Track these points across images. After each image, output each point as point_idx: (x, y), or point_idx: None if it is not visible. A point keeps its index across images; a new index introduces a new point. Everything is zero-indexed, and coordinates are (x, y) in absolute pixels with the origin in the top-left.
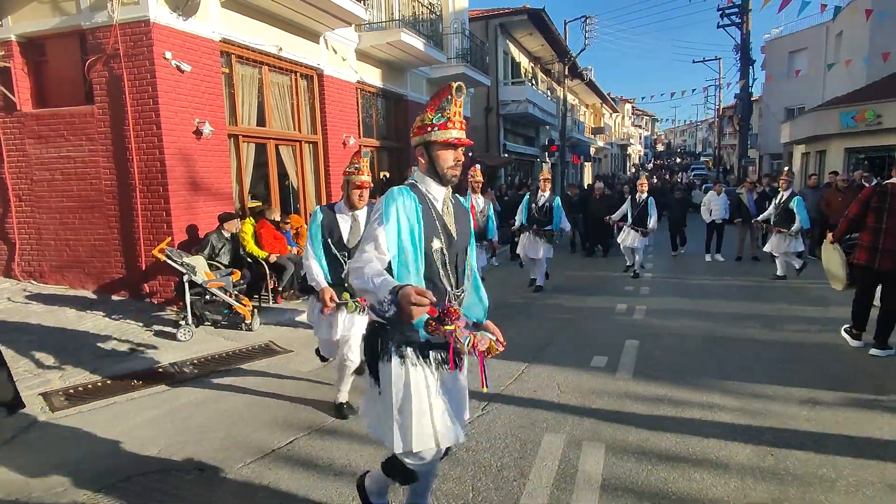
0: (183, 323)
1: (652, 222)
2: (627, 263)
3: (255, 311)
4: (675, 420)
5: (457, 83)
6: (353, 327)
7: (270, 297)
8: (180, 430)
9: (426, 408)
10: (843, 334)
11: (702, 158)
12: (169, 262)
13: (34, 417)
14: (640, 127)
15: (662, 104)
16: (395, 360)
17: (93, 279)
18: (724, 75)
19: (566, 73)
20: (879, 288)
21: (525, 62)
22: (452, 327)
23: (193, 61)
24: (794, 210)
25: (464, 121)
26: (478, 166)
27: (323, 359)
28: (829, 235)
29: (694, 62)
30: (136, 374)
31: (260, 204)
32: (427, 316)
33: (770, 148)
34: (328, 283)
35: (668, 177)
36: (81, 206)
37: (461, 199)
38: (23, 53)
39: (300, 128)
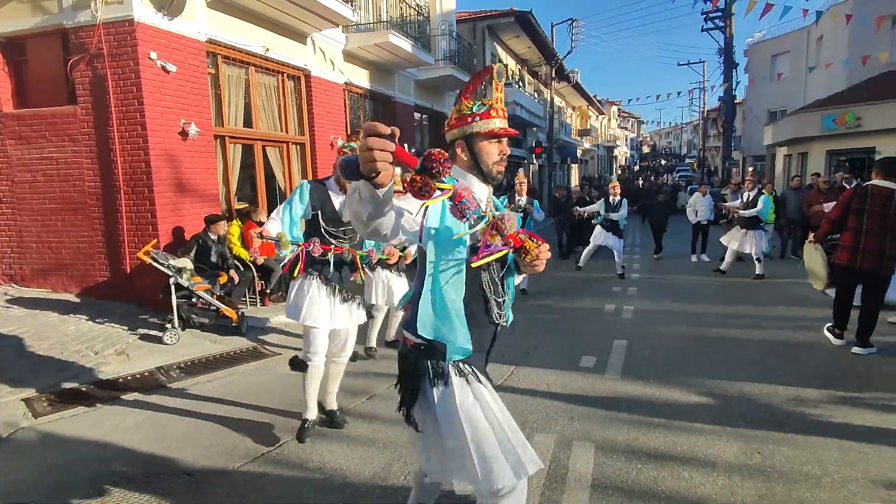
0: (169, 326)
1: (622, 211)
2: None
3: (243, 313)
4: (664, 419)
5: (497, 64)
6: (350, 316)
7: (258, 300)
8: (167, 434)
9: (513, 423)
10: (826, 333)
11: (686, 160)
12: (155, 264)
13: (16, 423)
14: (626, 129)
15: (648, 106)
16: (454, 379)
17: (76, 282)
18: (708, 78)
19: (553, 75)
20: (860, 288)
21: (512, 64)
22: (448, 187)
23: (179, 61)
24: (761, 201)
25: (505, 108)
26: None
27: (302, 367)
28: (811, 236)
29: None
30: (121, 379)
31: (247, 205)
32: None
33: (753, 150)
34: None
35: (653, 178)
36: (64, 207)
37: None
38: (3, 53)
39: (287, 129)
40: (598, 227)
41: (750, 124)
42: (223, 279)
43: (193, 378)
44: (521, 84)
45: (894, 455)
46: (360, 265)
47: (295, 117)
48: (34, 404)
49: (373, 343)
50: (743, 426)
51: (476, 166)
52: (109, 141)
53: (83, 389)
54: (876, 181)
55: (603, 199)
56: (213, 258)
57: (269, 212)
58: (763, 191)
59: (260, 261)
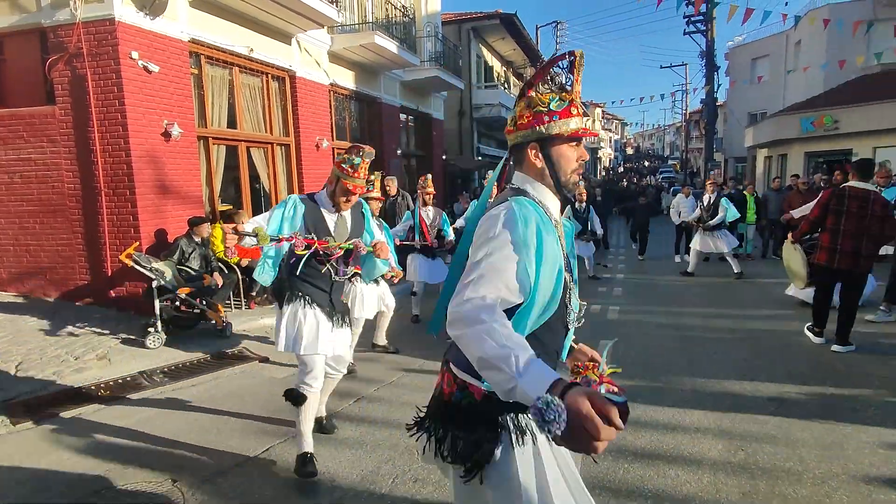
0: (152, 330)
1: (597, 227)
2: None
3: (227, 316)
4: (650, 418)
5: (580, 51)
6: (342, 340)
7: (243, 303)
8: (151, 439)
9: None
10: (806, 332)
11: (669, 162)
12: (137, 267)
13: None
14: (609, 130)
15: (632, 108)
16: (528, 439)
17: (55, 286)
18: (690, 81)
19: None
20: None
21: (498, 66)
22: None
23: (161, 62)
24: (723, 206)
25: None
26: (429, 176)
27: (301, 399)
28: (791, 236)
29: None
30: (103, 384)
31: (231, 207)
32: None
33: (735, 151)
34: (276, 282)
35: (636, 180)
36: (42, 210)
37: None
38: None
39: (272, 130)
40: None
41: (731, 126)
42: (207, 282)
43: (177, 382)
44: (506, 86)
45: (872, 451)
46: (351, 256)
47: (280, 118)
48: (13, 412)
49: (350, 359)
50: (727, 424)
51: (554, 175)
52: (90, 142)
53: (63, 395)
54: (853, 182)
55: (569, 207)
56: (197, 261)
57: (253, 214)
58: (746, 193)
59: (244, 263)
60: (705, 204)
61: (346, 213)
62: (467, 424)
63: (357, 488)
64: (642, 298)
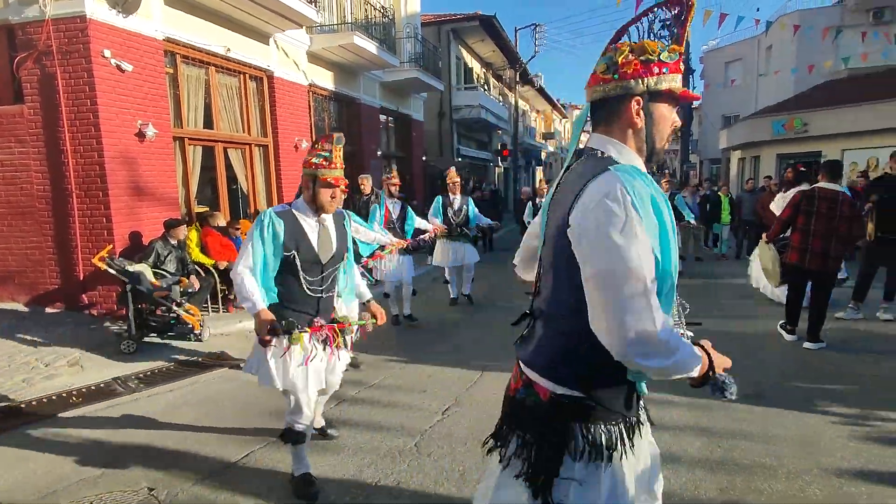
0: (126, 335)
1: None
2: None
3: (205, 320)
4: None
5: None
6: (337, 368)
7: (221, 306)
8: (127, 447)
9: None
10: (779, 330)
11: None
12: (111, 270)
13: None
14: (588, 132)
15: None
16: (615, 454)
17: (24, 290)
18: None
19: (517, 79)
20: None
21: (477, 68)
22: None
23: (135, 60)
24: (679, 208)
25: None
26: (394, 166)
27: (299, 438)
28: (764, 236)
29: None
30: (75, 391)
31: (207, 209)
32: None
33: (709, 153)
34: (272, 307)
35: None
36: (10, 212)
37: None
38: None
39: (250, 130)
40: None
41: (706, 129)
42: (184, 285)
43: (153, 388)
44: (486, 87)
45: (844, 445)
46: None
47: (258, 119)
48: None
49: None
50: (705, 422)
51: (649, 136)
52: (60, 142)
53: (34, 403)
54: (822, 184)
55: (529, 204)
56: (173, 264)
57: (231, 216)
58: (721, 194)
59: (222, 265)
60: None
61: (329, 224)
62: (532, 426)
63: (339, 492)
64: None
